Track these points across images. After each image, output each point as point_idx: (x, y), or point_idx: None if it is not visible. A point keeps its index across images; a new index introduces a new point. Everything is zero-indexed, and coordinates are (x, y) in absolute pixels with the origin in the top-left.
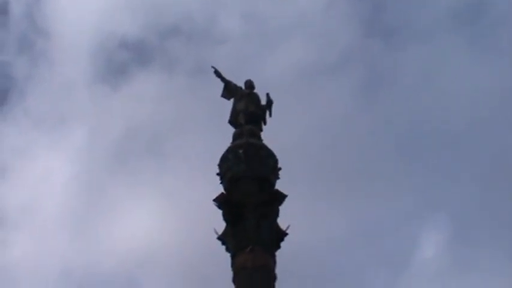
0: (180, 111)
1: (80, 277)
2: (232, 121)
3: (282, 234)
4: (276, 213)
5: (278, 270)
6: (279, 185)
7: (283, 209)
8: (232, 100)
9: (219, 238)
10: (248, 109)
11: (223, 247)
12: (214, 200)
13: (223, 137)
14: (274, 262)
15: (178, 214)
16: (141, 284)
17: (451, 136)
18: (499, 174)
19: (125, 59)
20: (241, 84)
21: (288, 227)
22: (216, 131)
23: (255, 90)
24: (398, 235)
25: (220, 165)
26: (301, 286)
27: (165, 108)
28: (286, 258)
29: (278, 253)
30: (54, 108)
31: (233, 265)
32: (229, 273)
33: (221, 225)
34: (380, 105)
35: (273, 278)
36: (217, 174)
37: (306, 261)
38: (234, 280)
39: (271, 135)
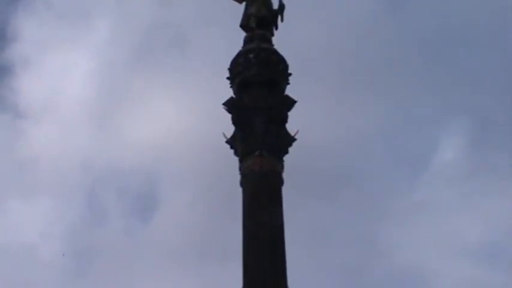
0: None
1: (100, 170)
2: (244, 25)
3: (290, 139)
4: (285, 119)
5: (286, 175)
6: (294, 90)
7: (296, 115)
8: (243, 4)
9: (228, 142)
10: (260, 13)
11: (232, 151)
12: (223, 104)
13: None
14: (282, 167)
15: (194, 114)
16: (159, 180)
17: (478, 40)
18: None
19: None
20: None
21: (296, 132)
22: (235, 33)
23: None
24: (418, 137)
25: (230, 70)
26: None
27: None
28: (296, 163)
29: (287, 158)
30: (76, 1)
31: (241, 169)
32: (237, 177)
33: (231, 129)
34: (406, 7)
35: (280, 182)
36: (227, 78)
37: (320, 164)
38: (242, 183)
39: (284, 40)
